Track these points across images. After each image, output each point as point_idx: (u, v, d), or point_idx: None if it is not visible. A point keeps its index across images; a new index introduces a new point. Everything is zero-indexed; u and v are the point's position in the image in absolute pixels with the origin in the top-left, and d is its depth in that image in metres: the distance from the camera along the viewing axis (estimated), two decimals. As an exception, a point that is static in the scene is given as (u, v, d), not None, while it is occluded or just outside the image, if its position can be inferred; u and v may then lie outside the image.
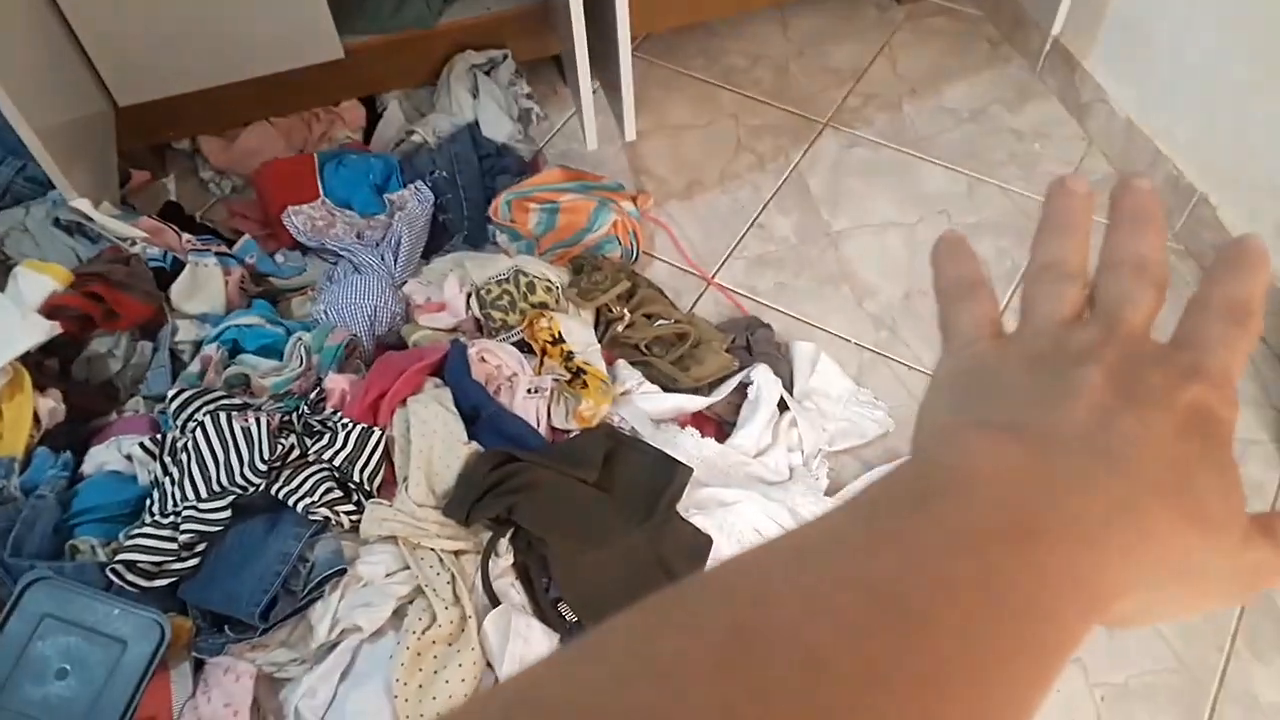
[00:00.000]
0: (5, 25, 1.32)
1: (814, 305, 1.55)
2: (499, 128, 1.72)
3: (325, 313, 1.41)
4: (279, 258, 1.59)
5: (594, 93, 1.60)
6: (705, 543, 1.21)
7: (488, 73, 1.78)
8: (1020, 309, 0.29)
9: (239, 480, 1.14)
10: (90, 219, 1.35)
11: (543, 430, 1.29)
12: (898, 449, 1.39)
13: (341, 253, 1.53)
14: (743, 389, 1.39)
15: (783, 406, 1.37)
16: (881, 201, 1.69)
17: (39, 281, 1.26)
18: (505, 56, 1.78)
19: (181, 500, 1.14)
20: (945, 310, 0.31)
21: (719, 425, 1.39)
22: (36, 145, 1.31)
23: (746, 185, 1.74)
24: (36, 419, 1.23)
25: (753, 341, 1.45)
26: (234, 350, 1.35)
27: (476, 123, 1.71)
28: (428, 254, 1.60)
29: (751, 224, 1.67)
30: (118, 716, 1.05)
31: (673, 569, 1.19)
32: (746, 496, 1.24)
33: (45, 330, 1.22)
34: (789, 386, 1.40)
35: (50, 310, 1.26)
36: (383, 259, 1.52)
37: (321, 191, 1.61)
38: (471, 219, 1.63)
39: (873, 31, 2.00)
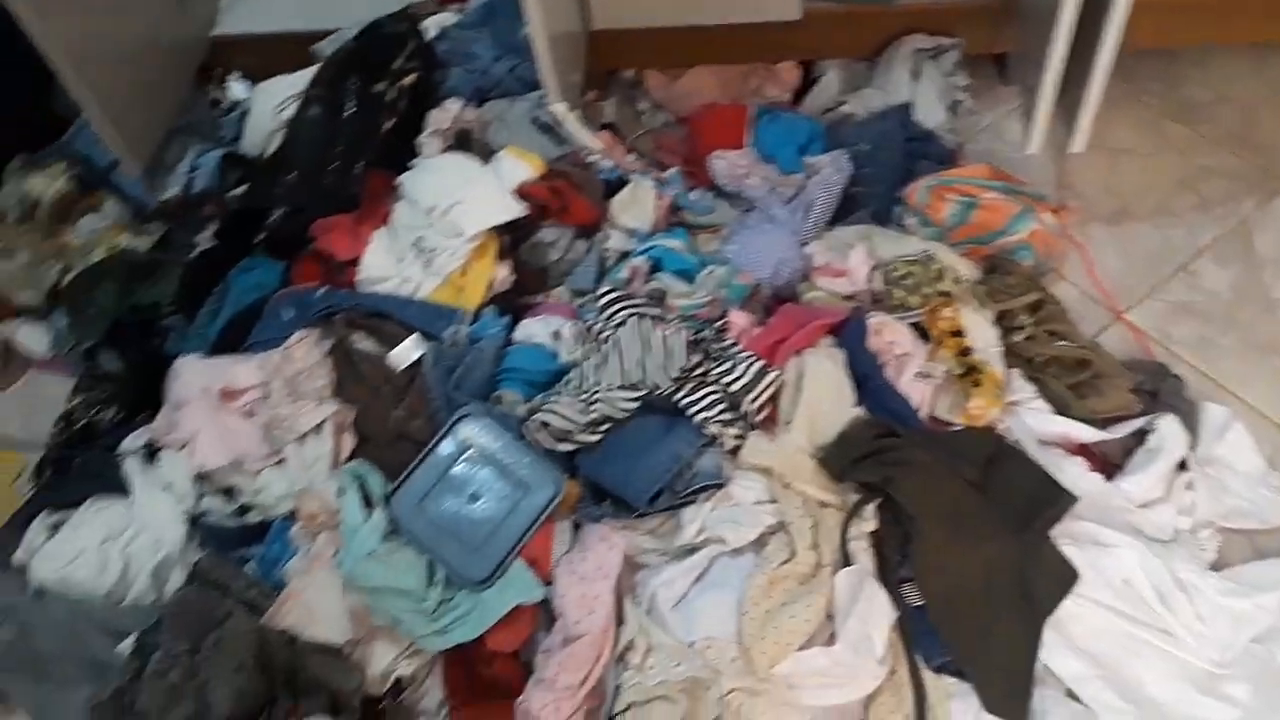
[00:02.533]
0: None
1: (1236, 370, 1.46)
2: (931, 114, 1.76)
3: (736, 254, 1.53)
4: (693, 195, 1.74)
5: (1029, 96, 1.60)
6: (1071, 575, 1.20)
7: (932, 58, 1.82)
8: None
9: (651, 380, 1.28)
10: (562, 123, 1.55)
11: (922, 417, 1.33)
12: (1299, 545, 1.29)
13: (757, 203, 1.64)
14: (1139, 434, 1.35)
15: (1181, 465, 1.31)
16: (1341, 281, 1.55)
17: (518, 167, 1.48)
18: (954, 45, 1.81)
19: (598, 383, 1.31)
20: None
21: (1103, 464, 1.36)
22: (543, 49, 1.52)
23: (1182, 226, 1.65)
24: (489, 284, 1.45)
25: (1161, 389, 1.39)
26: (653, 268, 1.51)
27: (910, 105, 1.76)
28: (832, 222, 1.69)
29: (1180, 268, 1.60)
30: (509, 547, 1.24)
31: (1031, 590, 1.19)
32: (1128, 543, 1.21)
33: (516, 210, 1.43)
34: (1191, 447, 1.34)
35: (520, 194, 1.48)
36: (793, 216, 1.62)
37: (748, 142, 1.74)
38: (881, 197, 1.69)
39: (1369, 90, 1.81)
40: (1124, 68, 1.88)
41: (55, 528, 1.41)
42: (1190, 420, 1.38)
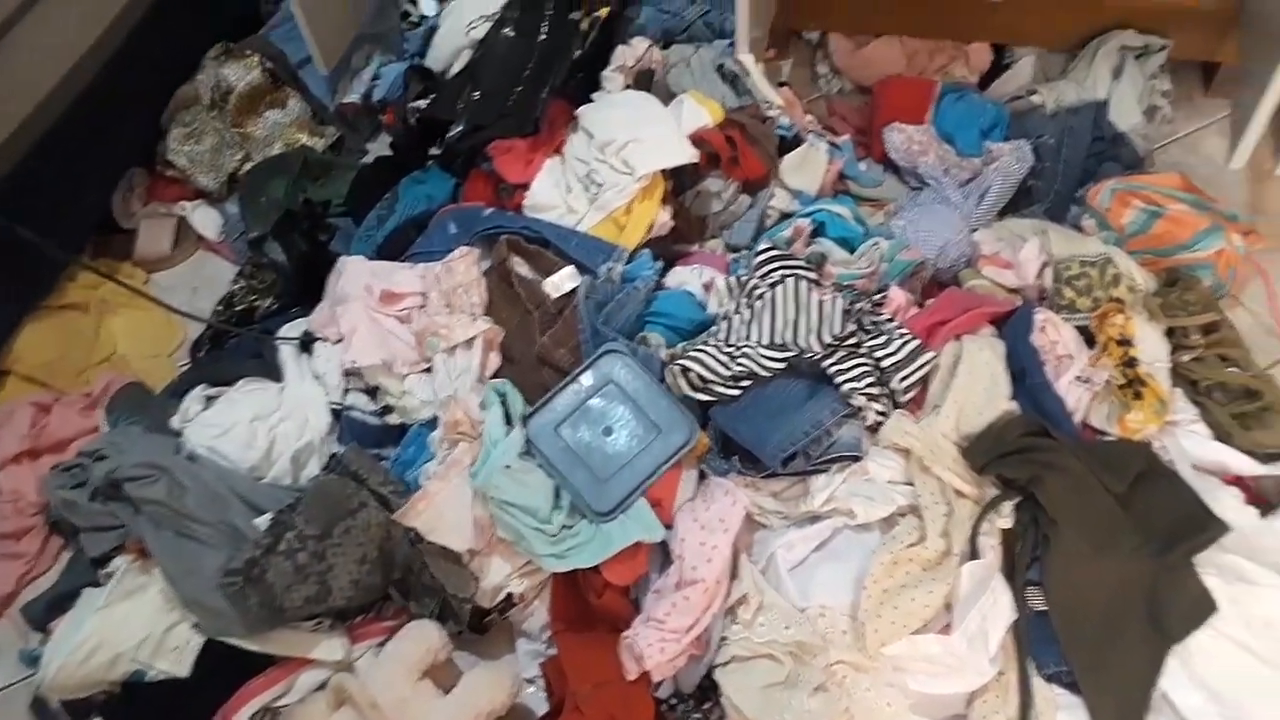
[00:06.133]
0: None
1: None
2: (1126, 116, 1.71)
3: (904, 229, 1.54)
4: (862, 165, 1.74)
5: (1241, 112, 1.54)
6: (1209, 607, 1.18)
7: (1137, 58, 1.77)
8: None
9: (802, 342, 1.31)
10: (749, 74, 1.58)
11: (1075, 422, 1.32)
12: None
13: (930, 181, 1.64)
14: (1306, 477, 1.31)
15: (1349, 516, 1.27)
16: None
17: (698, 112, 1.51)
18: (1163, 48, 1.76)
19: (745, 338, 1.34)
20: None
21: (1258, 500, 1.32)
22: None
23: (1387, 269, 1.58)
24: (650, 225, 1.49)
25: (1338, 434, 1.34)
26: (814, 231, 1.53)
27: (1106, 103, 1.72)
28: (1003, 212, 1.67)
29: (1379, 313, 1.53)
30: (636, 484, 1.29)
31: (1163, 615, 1.18)
32: (1275, 584, 1.18)
33: (690, 155, 1.47)
34: (1363, 499, 1.30)
35: (696, 140, 1.51)
36: (966, 200, 1.61)
37: (929, 119, 1.73)
38: (1059, 193, 1.66)
39: None
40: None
41: (209, 400, 1.53)
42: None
